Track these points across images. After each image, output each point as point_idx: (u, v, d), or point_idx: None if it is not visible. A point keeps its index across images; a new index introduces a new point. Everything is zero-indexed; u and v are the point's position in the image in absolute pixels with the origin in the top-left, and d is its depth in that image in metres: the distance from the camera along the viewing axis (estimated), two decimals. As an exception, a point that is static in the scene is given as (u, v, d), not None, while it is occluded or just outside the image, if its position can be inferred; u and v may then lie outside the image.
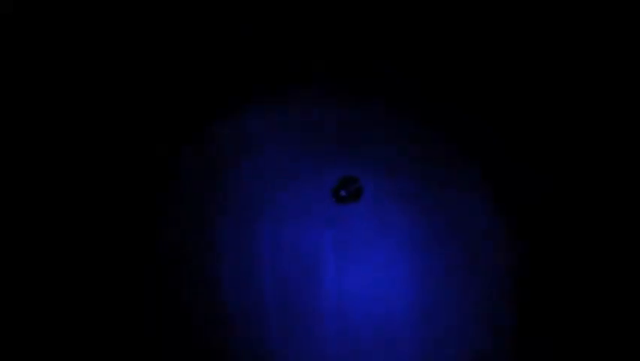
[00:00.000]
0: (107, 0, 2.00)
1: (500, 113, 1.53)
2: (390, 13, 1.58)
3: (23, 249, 2.25)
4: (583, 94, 1.45)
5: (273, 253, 2.01)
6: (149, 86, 2.06)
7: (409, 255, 1.80)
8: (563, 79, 1.45)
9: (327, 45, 1.69)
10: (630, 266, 1.50)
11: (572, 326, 1.58)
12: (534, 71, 1.48)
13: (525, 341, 1.65)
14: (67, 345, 2.34)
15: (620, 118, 1.44)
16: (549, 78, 1.47)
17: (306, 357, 1.95)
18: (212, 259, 2.16)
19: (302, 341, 1.94)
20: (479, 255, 1.66)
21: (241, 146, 2.00)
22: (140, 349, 2.24)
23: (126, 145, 2.20)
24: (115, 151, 2.22)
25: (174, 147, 2.12)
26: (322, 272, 1.94)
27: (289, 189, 1.94)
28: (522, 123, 1.51)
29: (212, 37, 1.93)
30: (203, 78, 2.00)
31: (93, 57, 2.10)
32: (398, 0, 1.57)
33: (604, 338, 1.53)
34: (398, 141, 1.69)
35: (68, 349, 2.34)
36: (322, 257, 1.93)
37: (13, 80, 2.00)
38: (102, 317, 2.30)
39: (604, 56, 1.42)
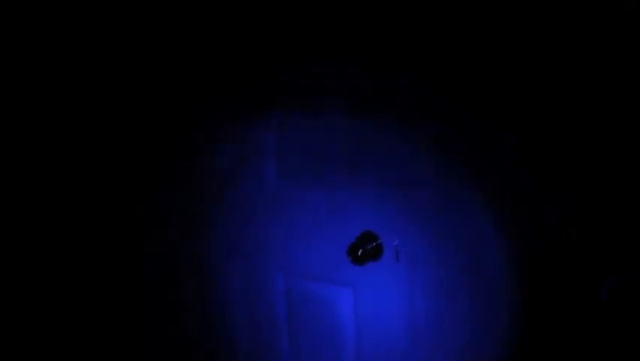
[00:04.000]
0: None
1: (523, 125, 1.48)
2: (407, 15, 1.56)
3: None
4: (592, 98, 1.42)
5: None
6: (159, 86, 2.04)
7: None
8: (574, 85, 1.43)
9: (349, 52, 1.66)
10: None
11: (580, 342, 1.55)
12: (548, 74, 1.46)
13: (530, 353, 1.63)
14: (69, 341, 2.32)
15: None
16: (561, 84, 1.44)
17: None
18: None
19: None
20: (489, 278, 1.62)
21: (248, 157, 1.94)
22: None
23: (127, 150, 2.18)
24: (119, 154, 2.20)
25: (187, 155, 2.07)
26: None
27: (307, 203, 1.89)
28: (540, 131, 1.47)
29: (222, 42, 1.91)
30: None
31: (96, 52, 2.09)
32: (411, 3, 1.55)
33: (614, 350, 1.51)
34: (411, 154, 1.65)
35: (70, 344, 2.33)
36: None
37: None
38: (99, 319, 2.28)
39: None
